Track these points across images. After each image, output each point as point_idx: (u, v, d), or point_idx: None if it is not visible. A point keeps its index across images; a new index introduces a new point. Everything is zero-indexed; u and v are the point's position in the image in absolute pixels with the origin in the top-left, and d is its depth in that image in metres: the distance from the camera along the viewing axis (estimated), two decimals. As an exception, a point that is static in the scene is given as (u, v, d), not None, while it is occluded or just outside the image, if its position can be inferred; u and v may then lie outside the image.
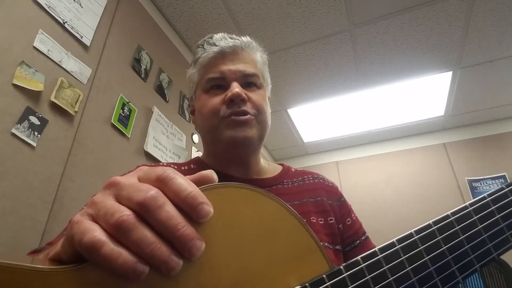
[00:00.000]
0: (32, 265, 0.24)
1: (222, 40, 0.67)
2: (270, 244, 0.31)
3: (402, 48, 2.13)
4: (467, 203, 0.31)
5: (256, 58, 0.71)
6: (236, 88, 0.62)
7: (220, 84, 0.65)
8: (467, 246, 0.29)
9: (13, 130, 0.96)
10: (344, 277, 0.30)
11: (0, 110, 0.93)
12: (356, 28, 1.99)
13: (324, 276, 0.30)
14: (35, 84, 1.04)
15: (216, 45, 0.67)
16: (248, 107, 0.63)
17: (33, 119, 1.02)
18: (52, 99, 1.09)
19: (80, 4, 1.29)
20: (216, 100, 0.64)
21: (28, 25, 1.06)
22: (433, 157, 2.94)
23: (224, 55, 0.66)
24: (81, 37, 1.26)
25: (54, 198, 1.05)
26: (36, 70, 1.06)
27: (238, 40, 0.68)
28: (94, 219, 0.27)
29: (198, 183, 0.29)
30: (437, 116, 2.88)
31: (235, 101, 0.62)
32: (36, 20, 1.10)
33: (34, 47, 1.07)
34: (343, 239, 0.66)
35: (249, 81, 0.66)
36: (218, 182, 0.31)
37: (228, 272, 0.29)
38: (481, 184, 2.67)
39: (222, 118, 0.62)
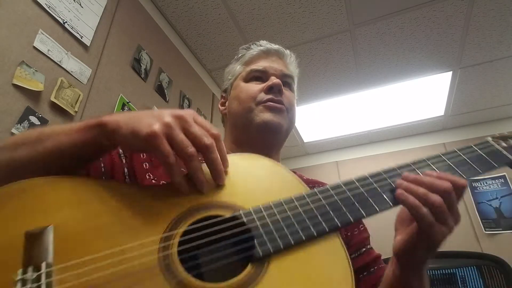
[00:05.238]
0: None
1: (268, 44, 0.78)
2: (270, 183, 0.49)
3: (402, 48, 2.13)
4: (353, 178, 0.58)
5: (292, 68, 0.79)
6: (276, 79, 0.68)
7: (260, 76, 0.72)
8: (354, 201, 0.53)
9: (13, 130, 0.96)
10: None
11: (0, 110, 0.94)
12: (356, 28, 1.99)
13: (293, 197, 0.47)
14: (35, 84, 1.04)
15: (262, 46, 0.76)
16: (283, 99, 0.69)
17: (33, 119, 1.02)
18: (52, 99, 1.09)
19: (80, 4, 1.29)
20: (255, 87, 0.70)
21: (28, 25, 1.06)
22: (433, 157, 2.93)
23: (268, 54, 0.76)
24: (81, 37, 1.26)
25: (54, 198, 1.05)
26: (36, 70, 1.06)
27: (281, 48, 0.78)
28: (169, 135, 0.40)
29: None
30: (437, 116, 2.88)
31: (274, 89, 0.68)
32: (36, 20, 1.10)
33: (34, 47, 1.07)
34: (349, 247, 0.67)
35: (286, 81, 0.73)
36: None
37: (242, 195, 0.46)
38: (481, 184, 2.66)
39: (258, 102, 0.68)
